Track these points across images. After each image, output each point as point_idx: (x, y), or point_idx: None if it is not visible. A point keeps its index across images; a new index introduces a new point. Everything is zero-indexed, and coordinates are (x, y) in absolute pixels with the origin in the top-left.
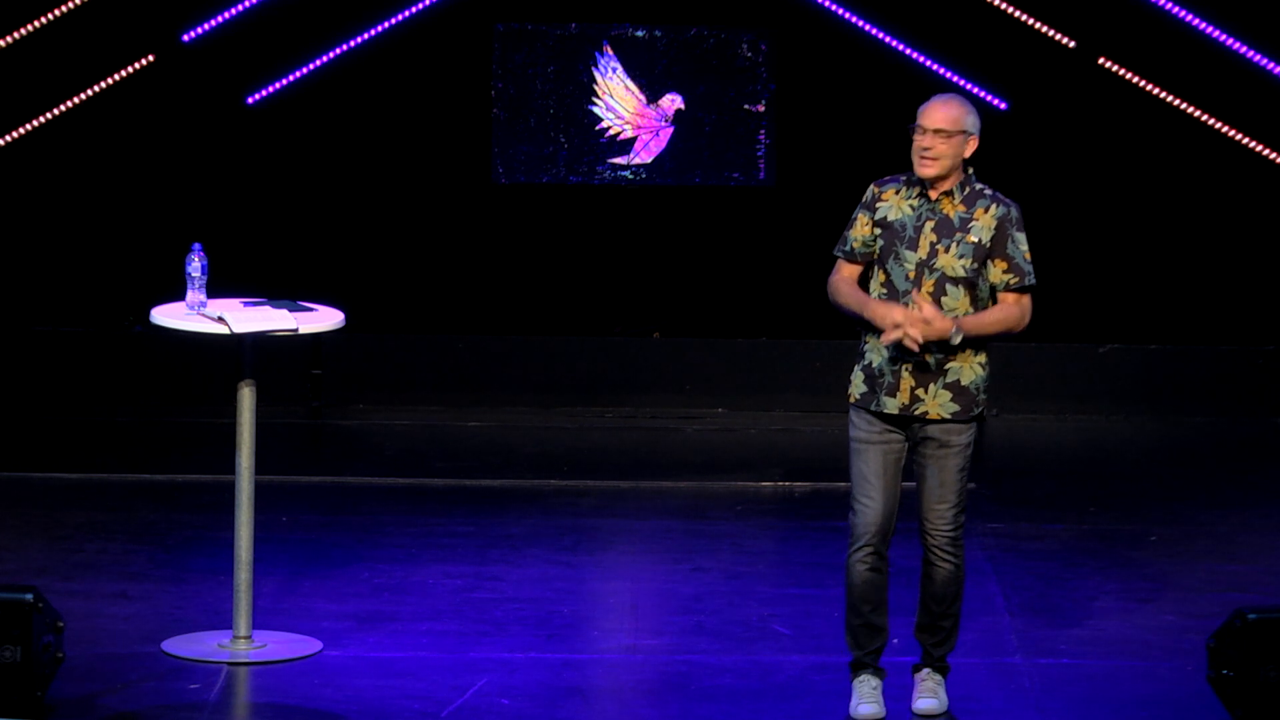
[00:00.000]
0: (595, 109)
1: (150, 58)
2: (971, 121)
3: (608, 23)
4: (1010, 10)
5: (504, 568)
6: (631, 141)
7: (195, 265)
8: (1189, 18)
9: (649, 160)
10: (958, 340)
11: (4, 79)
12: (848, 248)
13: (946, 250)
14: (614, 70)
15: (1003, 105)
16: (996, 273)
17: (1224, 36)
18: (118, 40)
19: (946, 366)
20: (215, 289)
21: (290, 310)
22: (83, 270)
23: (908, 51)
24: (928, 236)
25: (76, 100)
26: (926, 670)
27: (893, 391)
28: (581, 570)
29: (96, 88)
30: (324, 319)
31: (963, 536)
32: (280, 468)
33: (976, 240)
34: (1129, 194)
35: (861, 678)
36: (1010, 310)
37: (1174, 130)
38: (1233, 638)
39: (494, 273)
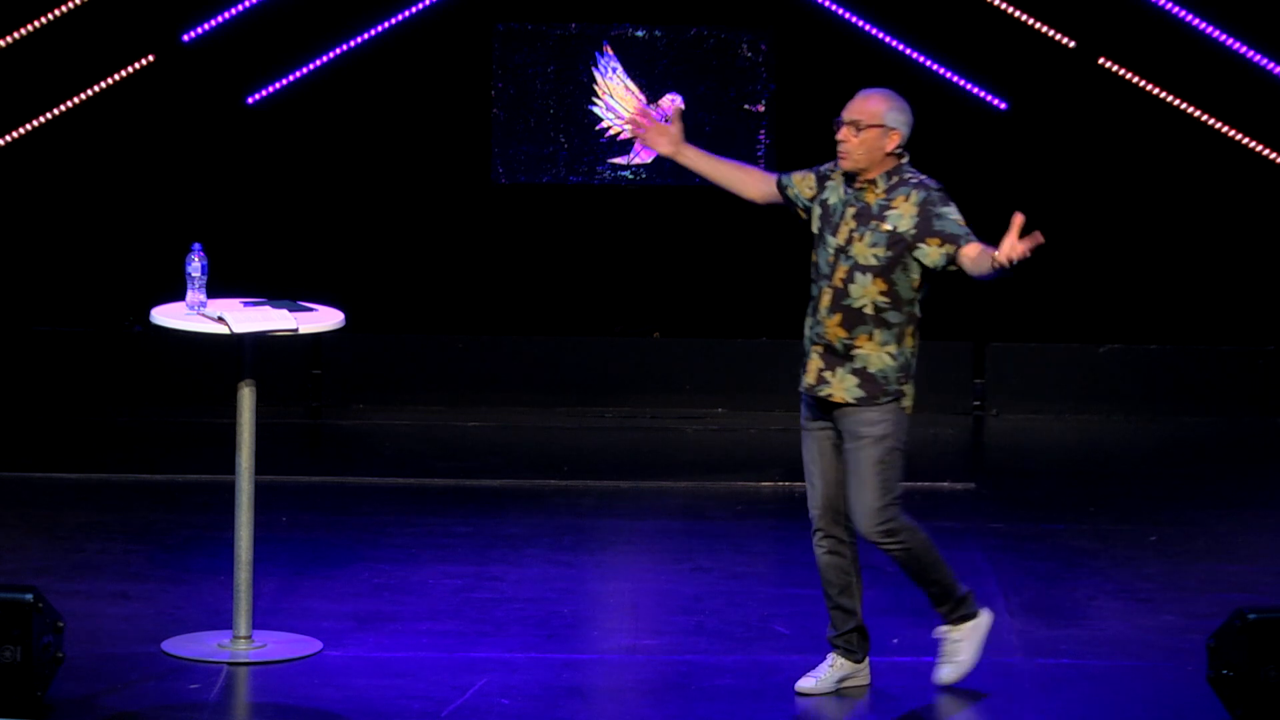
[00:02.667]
0: (595, 109)
1: (150, 58)
2: (894, 117)
3: (608, 23)
4: (1010, 10)
5: (504, 568)
6: (631, 141)
7: (195, 265)
8: (1189, 18)
9: (649, 160)
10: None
11: (4, 79)
12: (787, 179)
13: (861, 238)
14: (614, 70)
15: (1003, 105)
16: (934, 251)
17: (1224, 36)
18: (118, 40)
19: (854, 352)
20: (215, 289)
21: (290, 310)
22: (83, 270)
23: (908, 51)
24: (847, 223)
25: (76, 100)
26: (945, 627)
27: (805, 369)
28: (581, 570)
29: (96, 88)
30: (324, 319)
31: (900, 524)
32: (280, 468)
33: (891, 229)
34: (1129, 194)
35: (832, 656)
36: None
37: (1174, 130)
38: (1233, 638)
39: (494, 273)
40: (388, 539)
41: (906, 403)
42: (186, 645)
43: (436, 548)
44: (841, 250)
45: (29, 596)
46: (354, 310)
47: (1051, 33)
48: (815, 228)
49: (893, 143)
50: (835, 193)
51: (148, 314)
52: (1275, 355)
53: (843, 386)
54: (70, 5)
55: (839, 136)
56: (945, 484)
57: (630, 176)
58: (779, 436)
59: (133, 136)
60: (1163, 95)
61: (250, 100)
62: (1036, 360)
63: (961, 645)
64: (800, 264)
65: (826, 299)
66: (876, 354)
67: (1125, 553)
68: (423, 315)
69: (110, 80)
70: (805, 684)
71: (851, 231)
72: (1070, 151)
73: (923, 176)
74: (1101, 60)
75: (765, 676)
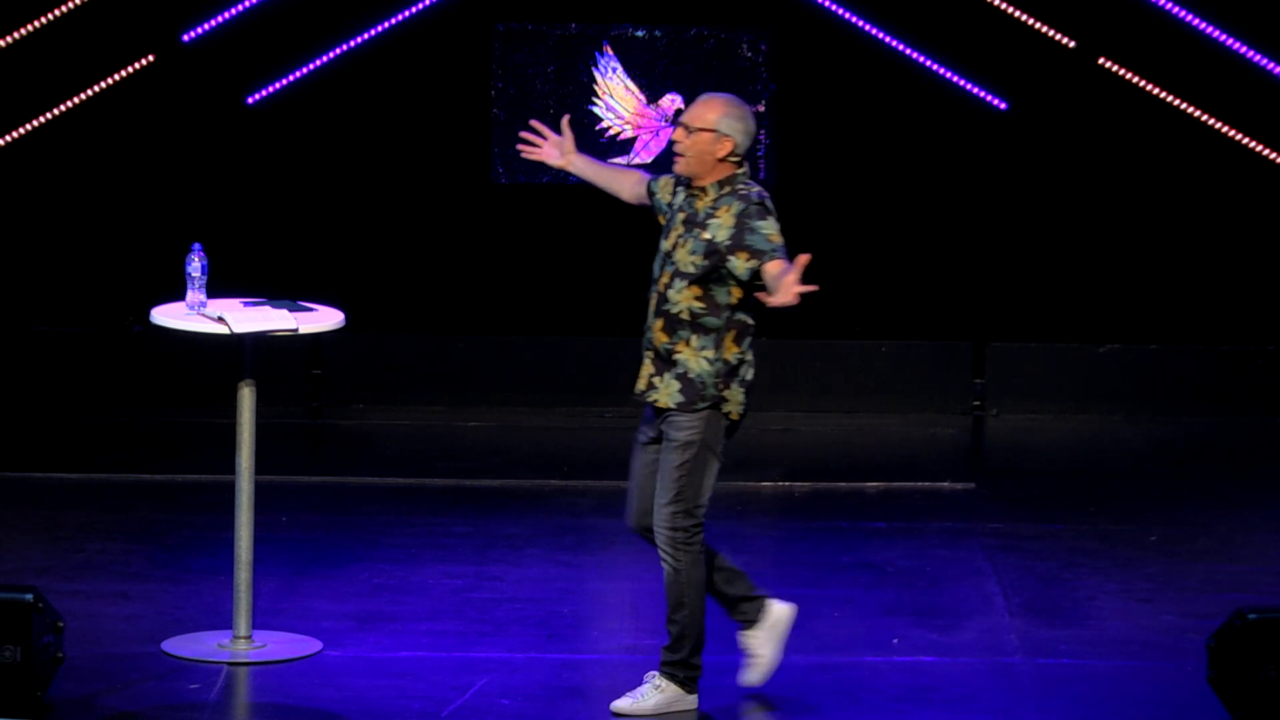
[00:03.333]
0: (595, 109)
1: (150, 58)
2: (728, 124)
3: (608, 23)
4: (1010, 10)
5: (504, 568)
6: (631, 141)
7: (195, 265)
8: (1189, 18)
9: (649, 160)
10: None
11: (4, 79)
12: (655, 180)
13: (684, 245)
14: (614, 70)
15: (1003, 105)
16: (741, 264)
17: (1224, 36)
18: (118, 40)
19: (675, 357)
20: (215, 289)
21: (290, 310)
22: (83, 270)
23: (908, 51)
24: (676, 229)
25: (76, 100)
26: (654, 672)
27: (638, 374)
28: (581, 570)
29: (96, 88)
30: (324, 319)
31: (689, 543)
32: (280, 468)
33: (710, 238)
34: (1129, 194)
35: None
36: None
37: (1174, 130)
38: (1233, 638)
39: (494, 273)
40: (388, 539)
41: (729, 408)
42: (186, 645)
43: (436, 548)
44: (667, 255)
45: (29, 596)
46: (354, 310)
47: (1051, 33)
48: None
49: (724, 149)
50: (678, 198)
51: (148, 314)
52: (1275, 355)
53: (667, 392)
54: (70, 5)
55: (673, 138)
56: (945, 484)
57: None
58: (778, 436)
59: (133, 136)
60: (1163, 95)
61: (250, 100)
62: (1036, 360)
63: (646, 693)
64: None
65: (652, 304)
66: (694, 359)
67: (1125, 553)
68: (423, 315)
69: (110, 80)
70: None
71: (678, 237)
72: (1070, 151)
73: (754, 188)
74: (1101, 60)
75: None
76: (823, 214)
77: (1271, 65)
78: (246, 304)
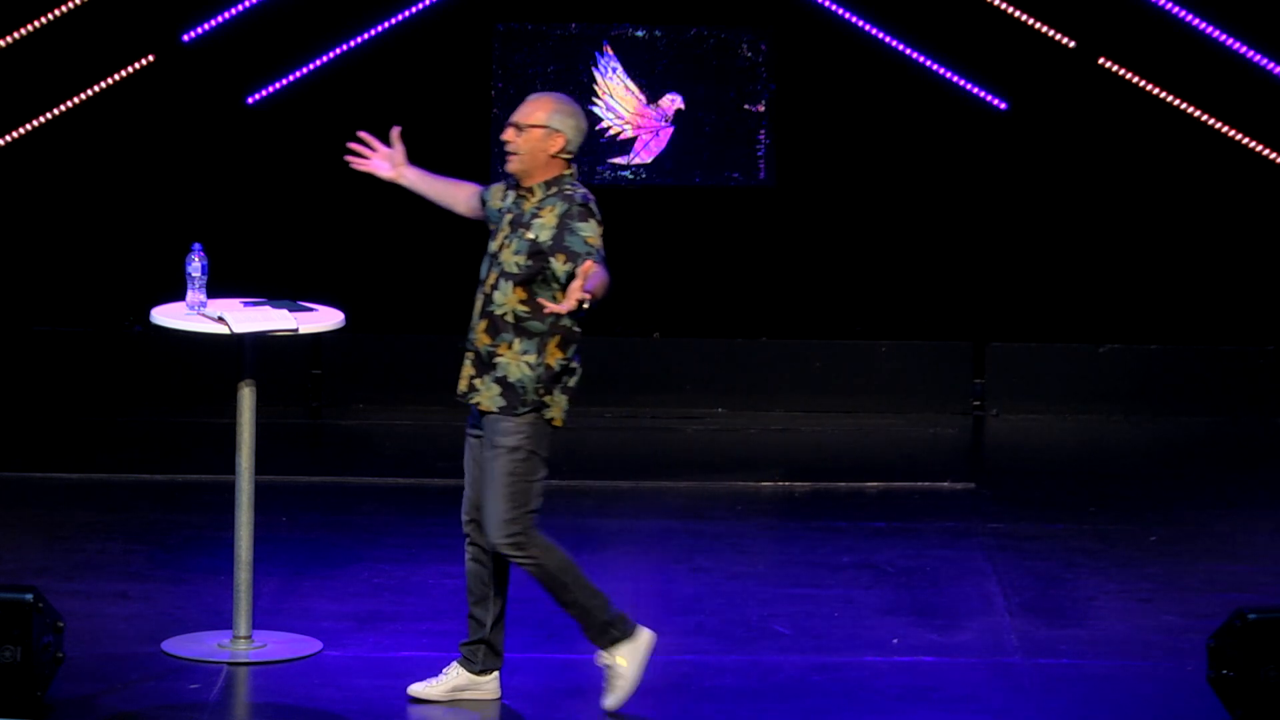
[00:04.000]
0: (595, 109)
1: (150, 58)
2: (559, 119)
3: (608, 23)
4: (1010, 10)
5: None
6: (631, 141)
7: (195, 265)
8: (1189, 18)
9: (649, 160)
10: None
11: (4, 79)
12: (487, 189)
13: (509, 246)
14: (614, 70)
15: (1003, 105)
16: (560, 268)
17: (1224, 36)
18: (118, 40)
19: (495, 360)
20: (215, 289)
21: (290, 310)
22: (83, 270)
23: (908, 51)
24: (503, 230)
25: (76, 100)
26: (600, 654)
27: (460, 375)
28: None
29: (96, 88)
30: (324, 319)
31: (530, 537)
32: (280, 468)
33: (533, 238)
34: (1129, 194)
35: (451, 663)
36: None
37: (1174, 130)
38: (1233, 638)
39: None
40: (388, 539)
41: (552, 414)
42: (186, 645)
43: (436, 548)
44: (494, 257)
45: (29, 596)
46: (354, 310)
47: (1051, 33)
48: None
49: (556, 145)
50: (507, 201)
51: (148, 314)
52: (1275, 355)
53: (488, 395)
54: (70, 5)
55: (504, 138)
56: (945, 484)
57: (630, 176)
58: (779, 436)
59: (133, 136)
60: (1163, 95)
61: (250, 100)
62: (1036, 360)
63: (619, 670)
64: (800, 264)
65: (477, 305)
66: (515, 363)
67: (1125, 553)
68: (423, 315)
69: (110, 80)
70: (417, 688)
71: (504, 238)
72: (1070, 151)
73: (580, 190)
74: (1101, 60)
75: (765, 676)
76: (823, 214)
77: (1271, 65)
78: (246, 304)
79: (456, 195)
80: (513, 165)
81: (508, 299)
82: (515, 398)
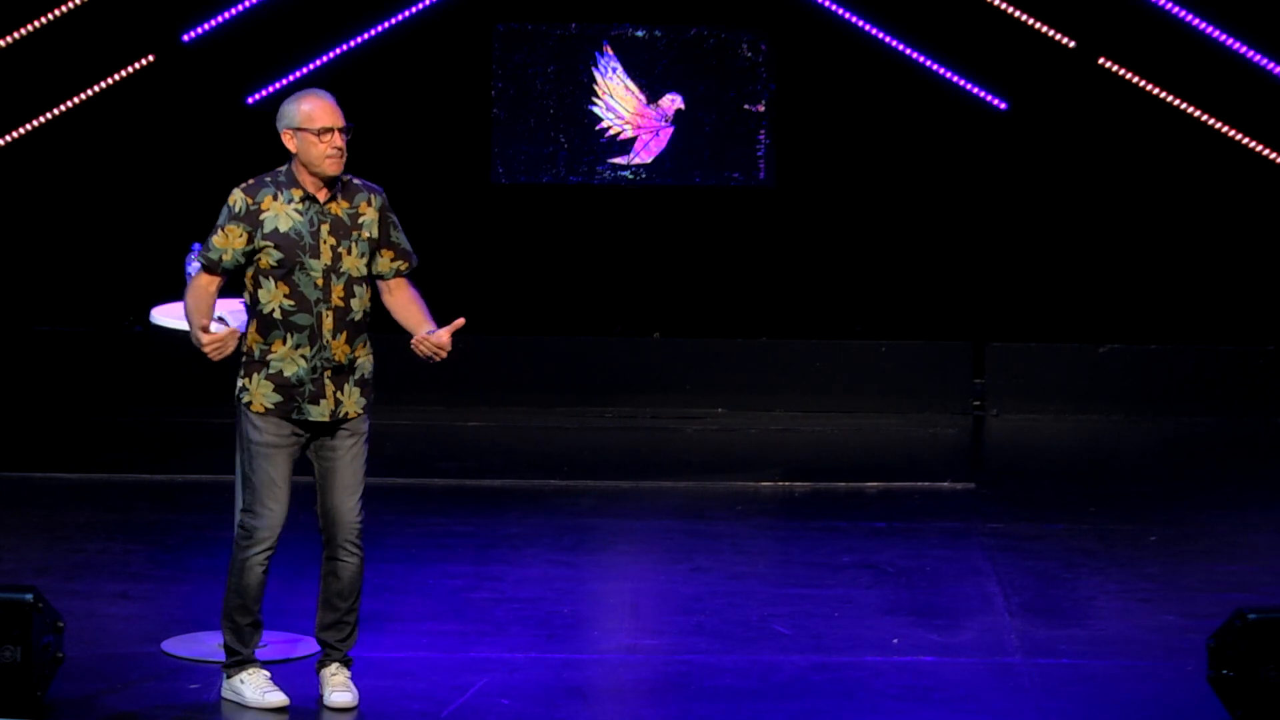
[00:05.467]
0: (595, 109)
1: (150, 58)
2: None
3: (608, 23)
4: (1010, 10)
5: (504, 568)
6: (631, 141)
7: (195, 265)
8: (1189, 18)
9: (649, 160)
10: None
11: (4, 79)
12: (215, 258)
13: (349, 252)
14: (614, 70)
15: (1003, 105)
16: (385, 262)
17: (1224, 36)
18: (118, 40)
19: (355, 364)
20: None
21: None
22: (83, 270)
23: (908, 51)
24: (326, 241)
25: (76, 100)
26: (336, 665)
27: (316, 399)
28: (581, 570)
29: (96, 88)
30: None
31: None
32: None
33: (369, 236)
34: (1129, 194)
35: (253, 670)
36: (417, 294)
37: (1174, 130)
38: (1233, 638)
39: (493, 273)
40: (388, 539)
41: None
42: (186, 645)
43: (436, 548)
44: (331, 270)
45: (29, 596)
46: None
47: (1051, 33)
48: (274, 260)
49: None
50: (284, 218)
51: (148, 314)
52: (1275, 355)
53: (352, 400)
54: (70, 5)
55: (339, 142)
56: (945, 484)
57: (630, 176)
58: (779, 436)
59: (133, 136)
60: (1163, 95)
61: (250, 100)
62: (1036, 360)
63: (352, 684)
64: (800, 264)
65: (329, 322)
66: (367, 358)
67: (1125, 553)
68: None
69: (110, 80)
70: (281, 697)
71: (334, 248)
72: (1070, 151)
73: (362, 180)
74: (1101, 60)
75: (765, 676)
76: (822, 214)
77: (1271, 65)
78: (246, 304)
79: (213, 295)
80: (340, 167)
81: (363, 302)
82: (371, 391)
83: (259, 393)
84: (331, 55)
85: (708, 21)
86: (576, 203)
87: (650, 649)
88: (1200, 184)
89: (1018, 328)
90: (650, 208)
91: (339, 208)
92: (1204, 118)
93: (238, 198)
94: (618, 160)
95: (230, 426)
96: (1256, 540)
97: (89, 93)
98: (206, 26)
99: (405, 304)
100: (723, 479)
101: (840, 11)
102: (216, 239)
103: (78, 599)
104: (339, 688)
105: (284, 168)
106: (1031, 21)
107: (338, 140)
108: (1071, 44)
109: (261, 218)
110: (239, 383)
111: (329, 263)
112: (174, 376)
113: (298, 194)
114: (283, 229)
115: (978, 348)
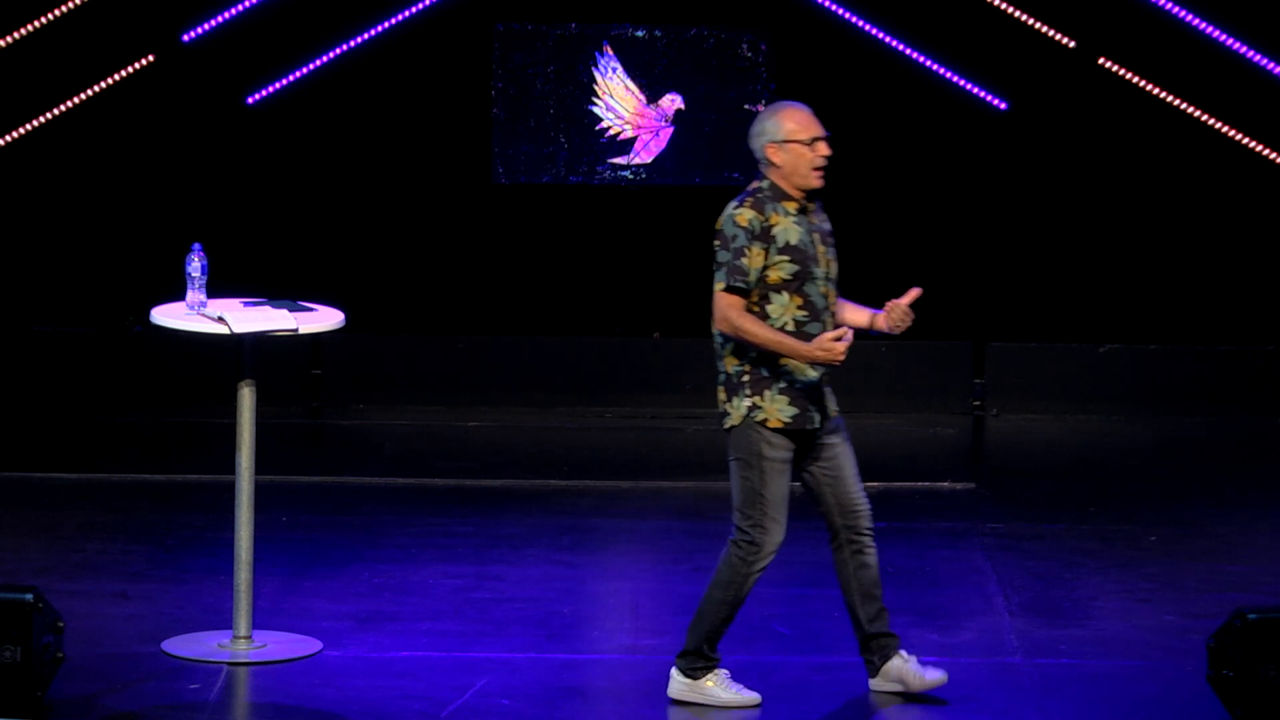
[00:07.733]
0: (595, 109)
1: (150, 58)
2: None
3: (608, 23)
4: (1010, 10)
5: (504, 568)
6: (631, 141)
7: (195, 265)
8: (1189, 18)
9: (649, 160)
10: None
11: (4, 79)
12: (752, 279)
13: (833, 259)
14: (614, 70)
15: (1003, 105)
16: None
17: (1224, 36)
18: (118, 40)
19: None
20: (215, 289)
21: (290, 310)
22: (83, 270)
23: (908, 51)
24: (820, 249)
25: (76, 100)
26: (904, 652)
27: (823, 405)
28: (581, 570)
29: (96, 88)
30: (324, 319)
31: None
32: (280, 468)
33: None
34: (1129, 194)
35: (719, 672)
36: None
37: (1174, 130)
38: (1233, 638)
39: (494, 273)
40: (388, 539)
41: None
42: (186, 645)
43: (436, 548)
44: (828, 277)
45: (29, 596)
46: (354, 310)
47: (1051, 33)
48: (788, 273)
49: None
50: (792, 231)
51: (148, 314)
52: (1275, 355)
53: (832, 401)
54: (70, 5)
55: (828, 152)
56: (945, 484)
57: (630, 176)
58: None
59: (133, 136)
60: (1163, 95)
61: (250, 100)
62: (1036, 360)
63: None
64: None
65: (830, 327)
66: None
67: (1125, 553)
68: (423, 315)
69: (110, 80)
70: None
71: (825, 255)
72: (1070, 151)
73: None
74: (1101, 60)
75: (765, 676)
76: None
77: (1271, 65)
78: (246, 304)
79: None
80: (822, 178)
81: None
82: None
83: (773, 409)
84: (331, 55)
85: (708, 21)
86: (577, 203)
87: (650, 649)
88: (1200, 184)
89: (1018, 328)
90: (650, 208)
91: (815, 218)
92: (1204, 118)
93: (748, 216)
94: (618, 160)
95: (230, 427)
96: (1256, 540)
97: (89, 93)
98: (206, 26)
99: (840, 303)
100: (723, 479)
101: (840, 11)
102: (745, 261)
103: (78, 599)
104: (927, 668)
105: (763, 183)
106: (1031, 21)
107: (825, 149)
108: (1071, 44)
109: (773, 233)
110: (744, 403)
111: (826, 270)
112: (174, 376)
113: (792, 207)
114: (793, 242)
115: (978, 348)
